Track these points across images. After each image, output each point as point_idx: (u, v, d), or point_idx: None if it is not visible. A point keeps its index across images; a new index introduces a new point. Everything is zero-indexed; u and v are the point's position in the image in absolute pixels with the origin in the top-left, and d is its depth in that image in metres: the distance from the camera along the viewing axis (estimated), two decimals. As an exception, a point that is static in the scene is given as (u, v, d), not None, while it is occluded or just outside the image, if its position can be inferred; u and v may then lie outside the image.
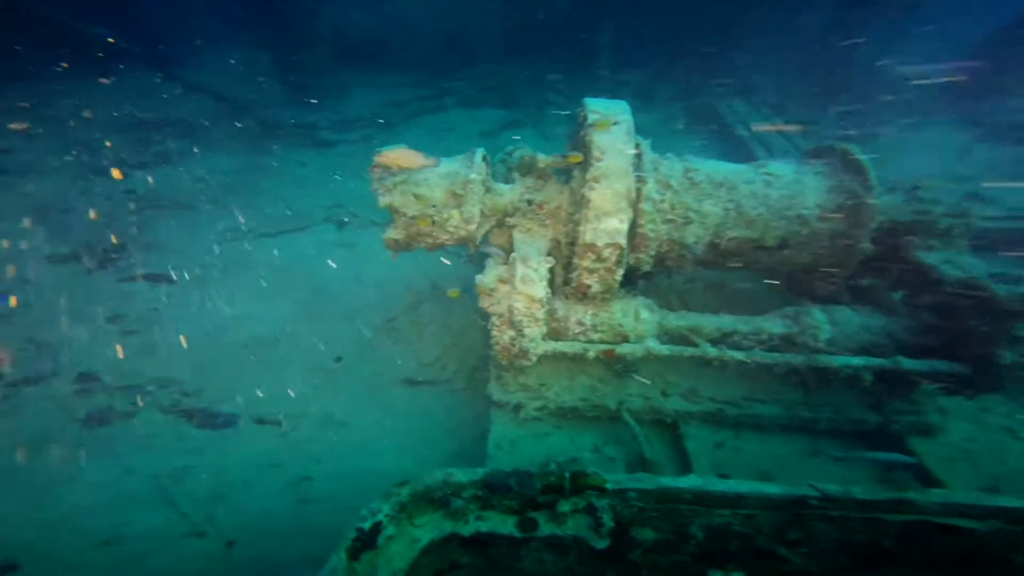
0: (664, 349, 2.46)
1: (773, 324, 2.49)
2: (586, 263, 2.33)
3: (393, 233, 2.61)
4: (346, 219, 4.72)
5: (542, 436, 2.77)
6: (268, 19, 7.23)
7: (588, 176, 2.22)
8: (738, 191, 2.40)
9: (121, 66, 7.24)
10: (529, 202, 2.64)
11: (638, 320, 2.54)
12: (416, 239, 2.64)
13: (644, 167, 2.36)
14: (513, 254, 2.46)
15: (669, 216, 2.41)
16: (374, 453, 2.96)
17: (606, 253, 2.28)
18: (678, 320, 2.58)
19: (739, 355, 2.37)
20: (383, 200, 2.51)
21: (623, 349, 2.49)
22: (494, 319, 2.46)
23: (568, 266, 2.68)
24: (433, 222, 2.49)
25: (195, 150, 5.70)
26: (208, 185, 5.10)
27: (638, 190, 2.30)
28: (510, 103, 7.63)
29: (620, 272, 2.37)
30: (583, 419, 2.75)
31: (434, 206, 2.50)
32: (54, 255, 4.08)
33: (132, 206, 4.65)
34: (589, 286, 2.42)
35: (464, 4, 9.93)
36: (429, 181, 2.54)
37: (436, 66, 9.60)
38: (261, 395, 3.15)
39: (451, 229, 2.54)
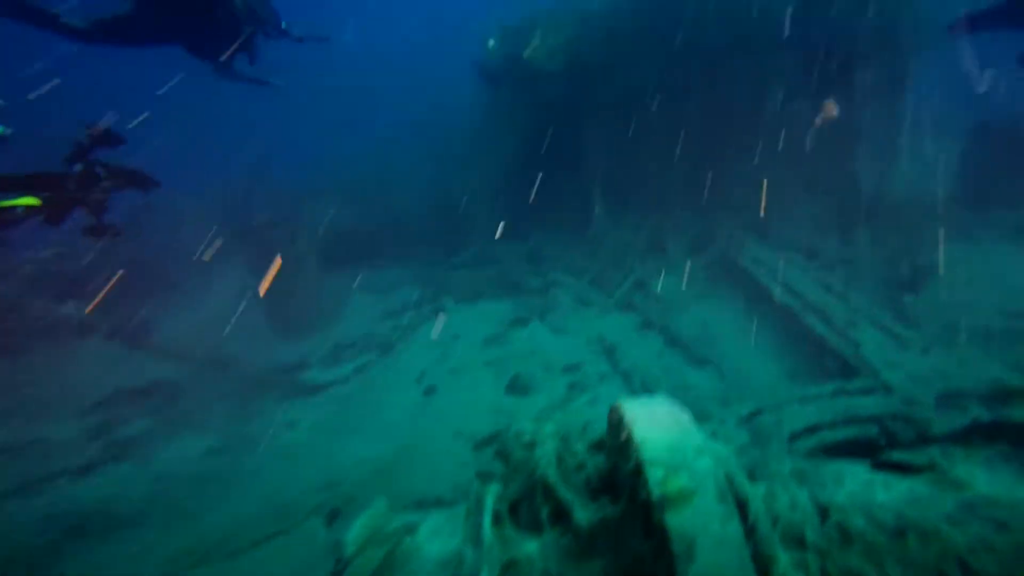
0: None
1: None
2: None
3: None
4: (340, 507, 3.78)
5: None
6: (251, 244, 6.81)
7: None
8: (944, 543, 1.42)
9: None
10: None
11: None
12: None
13: (758, 527, 1.45)
14: None
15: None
16: None
17: None
18: None
19: None
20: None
21: None
22: None
23: None
24: None
25: (159, 433, 4.86)
26: (167, 487, 4.21)
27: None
28: (512, 289, 7.23)
29: None
30: None
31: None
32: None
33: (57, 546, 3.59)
34: None
35: (451, 181, 10.29)
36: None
37: (431, 252, 9.61)
38: None
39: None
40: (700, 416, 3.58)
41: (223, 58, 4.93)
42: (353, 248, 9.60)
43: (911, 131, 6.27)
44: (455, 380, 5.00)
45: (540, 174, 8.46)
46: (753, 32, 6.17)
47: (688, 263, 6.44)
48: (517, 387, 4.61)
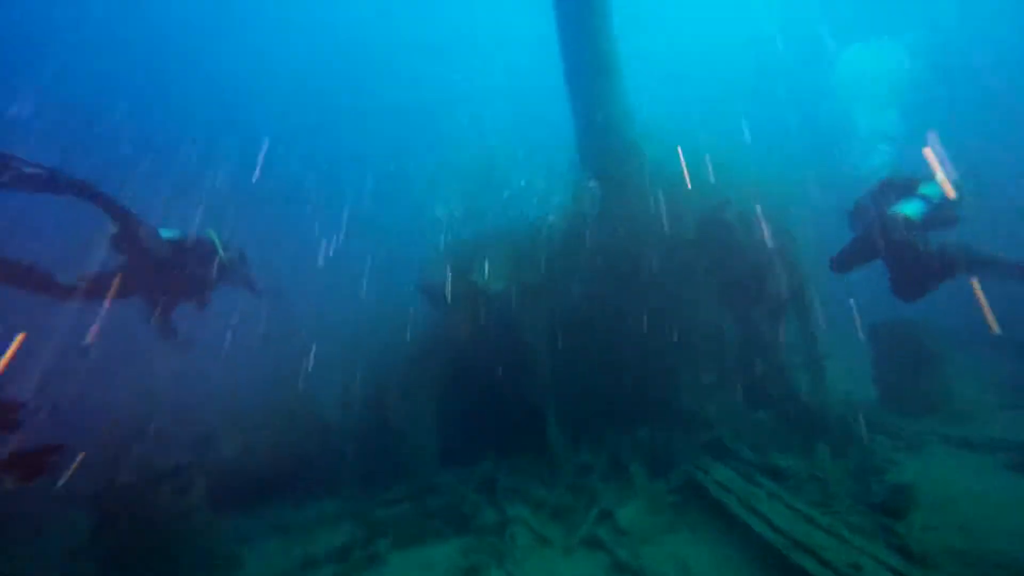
0: None
1: None
2: None
3: None
4: None
5: None
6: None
7: None
8: None
9: None
10: None
11: None
12: None
13: None
14: None
15: None
16: None
17: None
18: None
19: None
20: None
21: None
22: None
23: None
24: None
25: None
26: None
27: None
28: (461, 528, 6.10)
29: None
30: None
31: None
32: None
33: None
34: None
35: (391, 400, 9.48)
36: None
37: (365, 482, 8.26)
38: None
39: None
40: None
41: (169, 308, 4.80)
42: (268, 480, 8.15)
43: (823, 340, 6.95)
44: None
45: (489, 394, 8.24)
46: (675, 253, 7.18)
47: (654, 487, 5.88)
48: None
